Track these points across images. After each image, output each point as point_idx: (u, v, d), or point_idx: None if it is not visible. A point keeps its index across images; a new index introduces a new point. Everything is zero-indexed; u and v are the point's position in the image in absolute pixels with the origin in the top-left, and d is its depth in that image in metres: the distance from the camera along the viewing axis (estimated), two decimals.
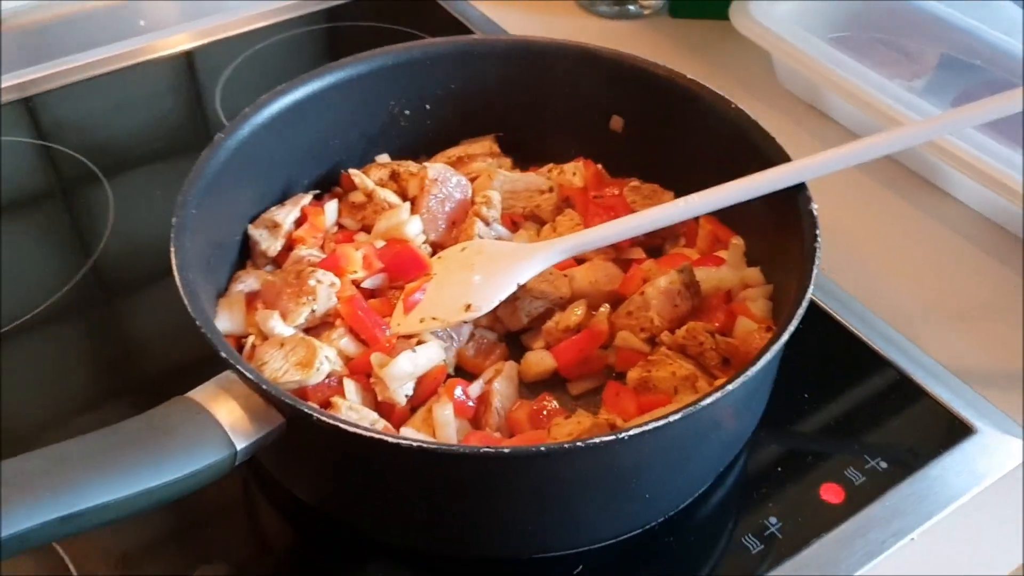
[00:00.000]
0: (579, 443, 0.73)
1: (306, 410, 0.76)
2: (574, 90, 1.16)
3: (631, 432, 0.73)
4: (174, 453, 0.74)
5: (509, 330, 1.03)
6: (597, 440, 0.72)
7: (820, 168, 0.95)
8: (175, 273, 0.86)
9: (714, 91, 1.07)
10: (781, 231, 0.98)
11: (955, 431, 0.99)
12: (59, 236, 1.24)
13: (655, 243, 1.11)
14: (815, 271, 0.86)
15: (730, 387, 0.77)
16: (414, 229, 1.06)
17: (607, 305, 1.02)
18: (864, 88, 1.25)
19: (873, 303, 1.13)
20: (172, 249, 0.88)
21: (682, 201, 0.98)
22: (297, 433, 0.79)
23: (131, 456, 0.73)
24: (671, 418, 0.74)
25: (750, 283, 1.03)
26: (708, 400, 0.76)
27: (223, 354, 0.79)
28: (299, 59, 1.54)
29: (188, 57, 1.50)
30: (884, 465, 0.95)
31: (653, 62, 1.12)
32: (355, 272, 1.00)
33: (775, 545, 0.89)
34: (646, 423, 0.74)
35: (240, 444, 0.76)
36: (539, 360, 0.99)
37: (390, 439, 0.73)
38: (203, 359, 0.82)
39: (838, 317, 1.10)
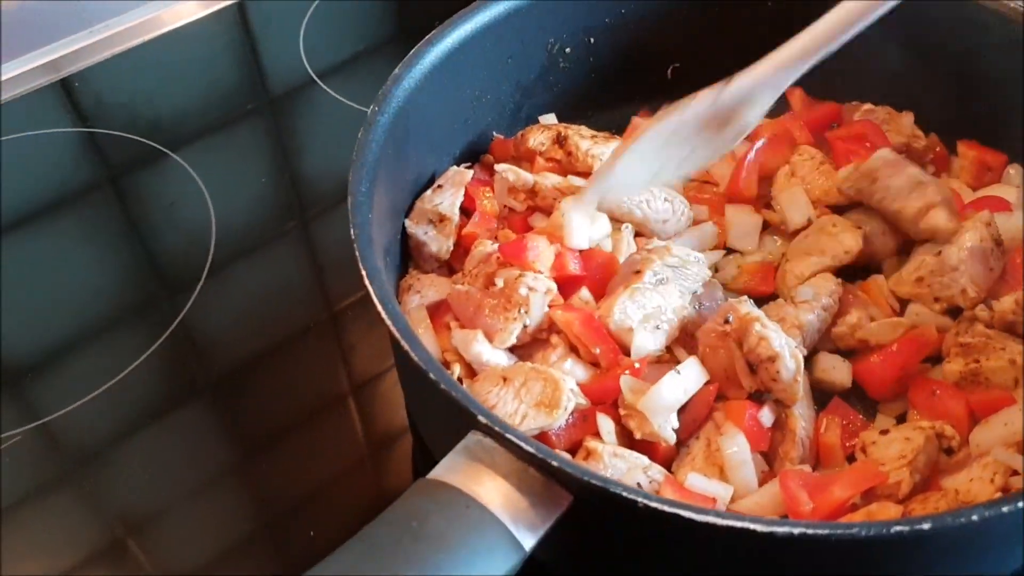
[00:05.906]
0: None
1: (609, 488, 0.55)
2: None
3: None
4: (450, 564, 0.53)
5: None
6: None
7: None
8: (366, 279, 0.65)
9: None
10: None
11: None
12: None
13: None
14: None
15: None
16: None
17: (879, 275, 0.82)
18: None
19: None
20: (355, 243, 0.67)
21: None
22: (585, 514, 0.57)
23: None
24: None
25: None
26: None
27: (473, 411, 0.58)
28: None
29: (241, 8, 1.25)
30: None
31: None
32: (541, 273, 0.76)
33: None
34: None
35: (528, 542, 0.55)
36: (834, 373, 0.77)
37: (759, 528, 0.52)
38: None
39: None
